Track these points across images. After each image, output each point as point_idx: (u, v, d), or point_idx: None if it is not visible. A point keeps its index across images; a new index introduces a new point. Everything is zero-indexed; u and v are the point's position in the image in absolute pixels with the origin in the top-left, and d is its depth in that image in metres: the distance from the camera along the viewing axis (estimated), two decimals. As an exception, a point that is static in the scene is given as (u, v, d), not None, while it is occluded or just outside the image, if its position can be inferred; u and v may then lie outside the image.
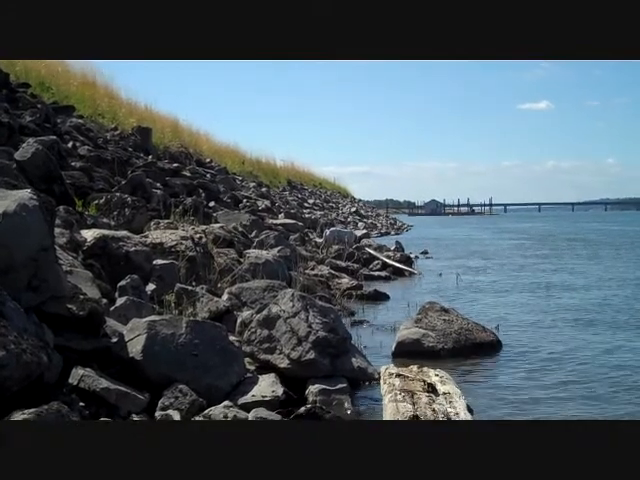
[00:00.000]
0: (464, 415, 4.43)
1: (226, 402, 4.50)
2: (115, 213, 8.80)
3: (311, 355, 5.41)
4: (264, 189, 26.77)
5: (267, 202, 20.82)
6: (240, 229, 11.64)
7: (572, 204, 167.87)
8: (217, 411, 4.30)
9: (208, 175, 18.68)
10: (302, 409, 4.59)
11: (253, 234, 11.97)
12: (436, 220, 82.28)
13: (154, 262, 6.80)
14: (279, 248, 10.48)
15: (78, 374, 4.03)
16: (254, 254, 9.14)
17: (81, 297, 4.48)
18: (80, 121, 14.26)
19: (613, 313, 10.26)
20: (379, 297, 11.71)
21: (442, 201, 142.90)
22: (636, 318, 9.78)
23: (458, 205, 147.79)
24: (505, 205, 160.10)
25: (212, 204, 13.96)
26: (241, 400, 4.72)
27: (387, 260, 16.47)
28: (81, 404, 3.84)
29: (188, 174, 16.09)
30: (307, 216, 24.87)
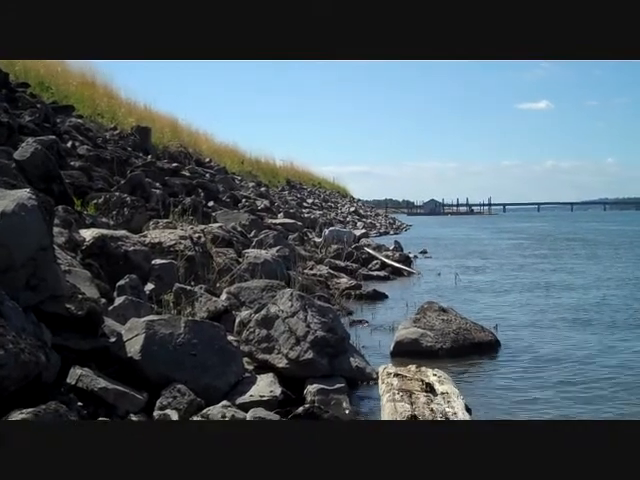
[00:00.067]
0: (462, 415, 4.43)
1: (224, 402, 4.49)
2: (114, 213, 8.81)
3: (309, 355, 5.41)
4: (263, 189, 26.77)
5: (266, 202, 20.81)
6: (239, 229, 11.64)
7: (571, 204, 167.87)
8: (215, 411, 4.30)
9: (207, 175, 18.67)
10: (300, 409, 4.59)
11: (252, 234, 11.97)
12: (435, 220, 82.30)
13: (153, 262, 6.80)
14: (278, 248, 10.48)
15: (76, 374, 4.03)
16: (253, 254, 9.14)
17: (79, 297, 4.47)
18: (79, 121, 14.26)
19: (612, 313, 10.26)
20: (378, 297, 11.71)
21: (441, 201, 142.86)
22: (635, 318, 9.78)
23: (457, 205, 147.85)
24: (504, 205, 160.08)
25: (211, 204, 13.97)
26: (239, 400, 4.72)
27: (386, 260, 16.47)
28: (79, 404, 3.84)
29: (187, 174, 16.09)
30: (306, 216, 24.86)
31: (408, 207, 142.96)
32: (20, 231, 4.03)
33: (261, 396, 4.80)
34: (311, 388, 5.21)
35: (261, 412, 4.39)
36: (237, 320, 6.18)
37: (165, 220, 9.28)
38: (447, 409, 4.48)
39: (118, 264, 6.28)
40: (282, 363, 5.44)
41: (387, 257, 16.88)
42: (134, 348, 4.58)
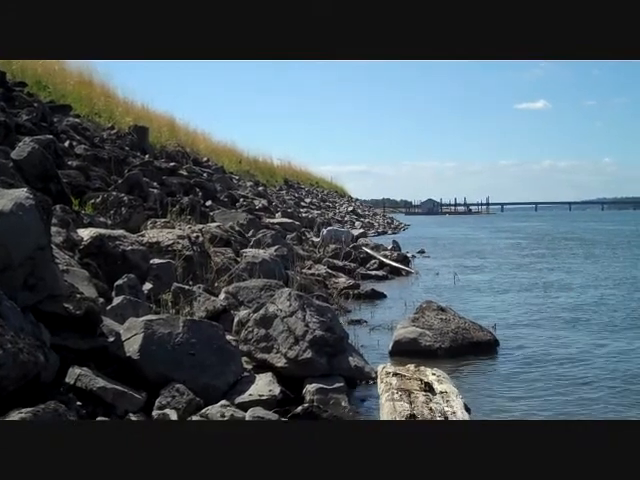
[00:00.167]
0: (461, 414, 4.43)
1: (223, 401, 4.50)
2: (112, 212, 8.80)
3: (308, 354, 5.41)
4: (261, 188, 26.76)
5: (264, 201, 20.80)
6: (237, 228, 11.64)
7: (569, 203, 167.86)
8: (214, 410, 4.30)
9: (205, 174, 18.65)
10: (299, 408, 4.59)
11: (250, 233, 11.97)
12: (433, 220, 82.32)
13: (151, 261, 6.80)
14: (276, 247, 10.47)
15: (75, 373, 4.02)
16: (251, 253, 9.14)
17: (78, 296, 4.47)
18: (77, 120, 14.24)
19: (610, 312, 10.27)
20: (376, 296, 11.72)
21: (439, 200, 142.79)
22: (633, 317, 9.80)
23: (455, 204, 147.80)
24: (502, 204, 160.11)
25: (209, 203, 13.95)
26: (238, 399, 4.72)
27: (384, 259, 16.47)
28: (78, 403, 3.84)
29: (185, 173, 16.07)
30: (304, 215, 24.87)
31: (406, 207, 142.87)
32: (18, 230, 4.03)
33: (260, 395, 4.80)
34: (310, 387, 5.21)
35: (260, 411, 4.39)
36: (236, 320, 6.18)
37: (163, 220, 9.28)
38: (446, 408, 4.48)
39: (116, 264, 6.28)
40: (281, 362, 5.44)
41: (385, 257, 16.88)
42: (133, 348, 4.58)
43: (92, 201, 8.73)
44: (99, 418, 3.83)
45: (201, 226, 9.86)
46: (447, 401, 4.63)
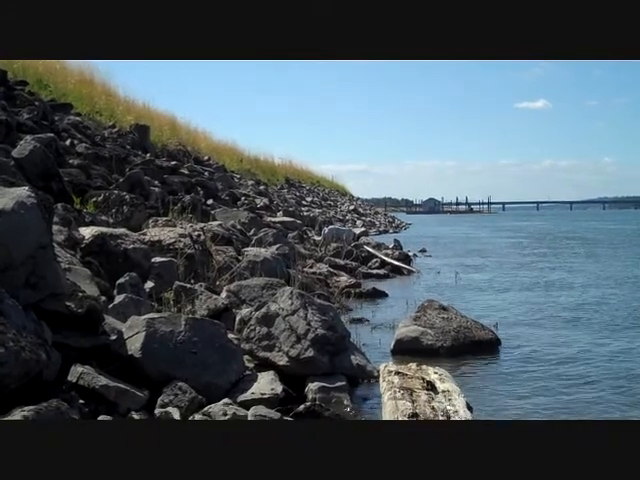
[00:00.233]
0: (463, 413, 4.43)
1: (225, 399, 4.50)
2: (113, 211, 8.81)
3: (310, 353, 5.42)
4: (262, 187, 26.76)
5: (265, 200, 20.81)
6: (238, 227, 11.64)
7: (570, 203, 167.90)
8: (216, 408, 4.30)
9: (206, 173, 18.67)
10: (301, 407, 4.60)
11: (251, 232, 11.97)
12: (434, 219, 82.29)
13: (152, 260, 6.80)
14: (277, 246, 10.48)
15: (77, 371, 4.03)
16: (252, 252, 9.14)
17: (80, 295, 4.48)
18: (78, 119, 14.26)
19: (611, 312, 10.27)
20: (378, 295, 11.72)
21: (440, 199, 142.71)
22: (634, 317, 9.79)
23: (456, 203, 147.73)
24: (503, 204, 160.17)
25: (210, 202, 13.96)
26: (240, 398, 4.73)
27: (386, 258, 16.47)
28: (80, 401, 3.84)
29: (186, 172, 16.08)
30: (305, 214, 24.89)
31: (407, 206, 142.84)
32: (19, 229, 4.03)
33: (262, 394, 4.81)
34: (312, 386, 5.22)
35: (262, 410, 4.39)
36: (237, 318, 6.19)
37: (164, 218, 9.29)
38: (448, 407, 4.49)
39: (118, 262, 6.29)
40: (283, 361, 5.45)
41: (387, 255, 16.88)
42: (135, 346, 4.58)
43: (93, 200, 8.74)
44: (101, 416, 3.83)
45: (202, 225, 9.87)
46: (449, 400, 4.63)
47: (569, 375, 6.49)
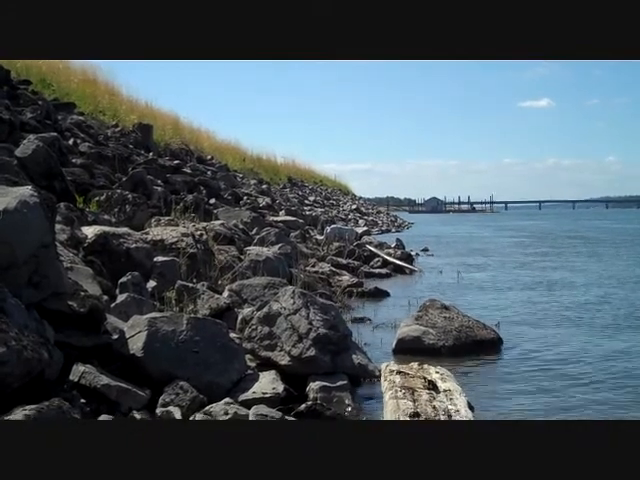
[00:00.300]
0: (465, 412, 4.44)
1: (227, 399, 4.51)
2: (116, 210, 8.82)
3: (312, 352, 5.42)
4: (265, 186, 26.78)
5: (268, 199, 20.82)
6: (241, 226, 11.65)
7: (573, 202, 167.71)
8: (218, 408, 4.31)
9: (209, 172, 18.69)
10: (303, 406, 4.60)
11: (254, 231, 11.98)
12: (437, 218, 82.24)
13: (155, 259, 6.81)
14: (280, 245, 10.48)
15: (79, 371, 4.04)
16: (255, 251, 9.15)
17: (82, 294, 4.49)
18: (81, 118, 14.29)
19: (614, 311, 10.25)
20: (380, 294, 11.72)
21: (443, 199, 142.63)
22: (636, 316, 9.77)
23: (459, 203, 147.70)
24: (506, 203, 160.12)
25: (213, 201, 13.97)
26: (242, 397, 4.74)
27: (388, 257, 16.47)
28: (82, 400, 3.85)
29: (189, 171, 16.10)
30: (308, 213, 24.89)
31: (410, 205, 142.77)
32: (22, 228, 4.04)
33: (264, 393, 4.81)
34: (313, 385, 5.22)
35: (263, 409, 4.40)
36: (239, 317, 6.20)
37: (167, 217, 9.30)
38: (450, 406, 4.49)
39: (120, 261, 6.30)
40: (284, 360, 5.45)
41: (389, 255, 16.88)
42: (136, 345, 4.59)
43: (96, 199, 8.75)
44: (103, 415, 3.84)
45: (205, 224, 9.87)
46: (451, 399, 4.64)
47: (571, 375, 6.48)
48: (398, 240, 20.45)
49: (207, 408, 4.32)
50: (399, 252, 17.60)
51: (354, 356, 5.70)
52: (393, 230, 41.84)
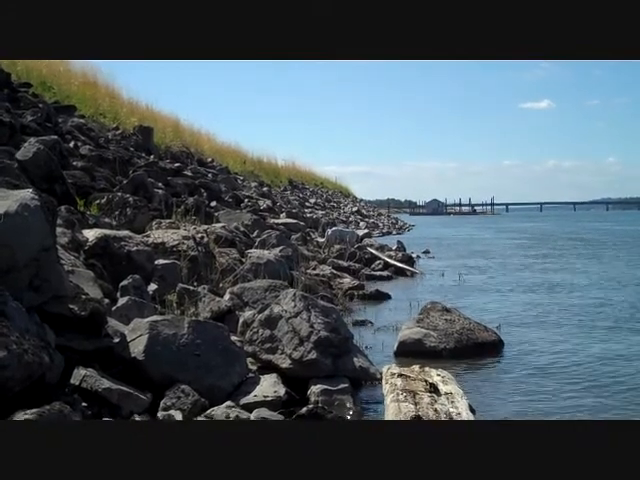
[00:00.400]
0: (466, 415, 4.43)
1: (228, 402, 4.50)
2: (117, 213, 8.82)
3: (313, 355, 5.41)
4: (265, 189, 26.78)
5: (268, 202, 20.83)
6: (242, 229, 11.64)
7: (574, 204, 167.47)
8: (219, 411, 4.31)
9: (210, 175, 18.69)
10: (304, 409, 4.59)
11: (255, 234, 11.98)
12: (438, 220, 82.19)
13: (156, 262, 6.80)
14: (281, 248, 10.48)
15: (80, 374, 4.03)
16: (256, 254, 9.14)
17: (83, 297, 4.48)
18: (81, 121, 14.27)
19: (615, 313, 10.24)
20: (381, 297, 11.71)
21: (443, 201, 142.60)
22: (637, 318, 9.76)
23: (460, 205, 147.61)
24: (507, 205, 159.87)
25: (214, 204, 13.97)
26: (243, 400, 4.72)
27: (389, 260, 16.46)
28: (83, 404, 3.84)
29: (190, 174, 16.10)
30: (309, 216, 24.88)
31: (410, 207, 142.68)
32: (23, 231, 4.03)
33: (265, 396, 4.80)
34: (315, 388, 5.21)
35: (265, 412, 4.39)
36: (240, 320, 6.18)
37: (168, 220, 9.29)
38: (451, 409, 4.48)
39: (121, 264, 6.29)
40: (286, 363, 5.44)
41: (390, 257, 16.87)
42: (138, 348, 4.58)
43: (97, 202, 8.74)
44: (104, 419, 3.83)
45: (206, 227, 9.87)
46: (452, 402, 4.63)
47: (573, 377, 6.47)
48: (399, 242, 20.46)
49: (208, 411, 4.32)
50: (400, 254, 17.60)
51: (355, 359, 5.69)
52: (394, 232, 41.84)
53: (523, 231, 44.29)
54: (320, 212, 31.49)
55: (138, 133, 17.08)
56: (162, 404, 4.31)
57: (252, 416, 4.34)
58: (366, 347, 7.13)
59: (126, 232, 7.03)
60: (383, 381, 5.30)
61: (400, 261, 16.61)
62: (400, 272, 15.83)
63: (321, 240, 17.54)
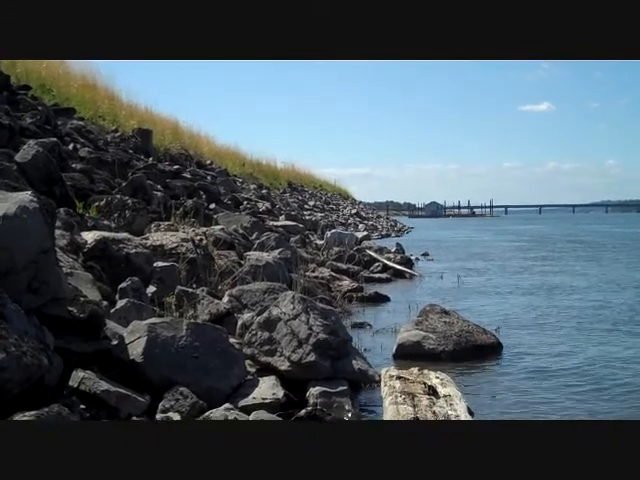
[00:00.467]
0: (465, 417, 4.43)
1: (227, 404, 4.49)
2: (116, 215, 8.80)
3: (312, 357, 5.40)
4: (264, 191, 26.78)
5: (267, 204, 20.80)
6: (241, 231, 11.64)
7: (573, 206, 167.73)
8: (218, 413, 4.30)
9: (208, 177, 18.69)
10: (303, 411, 4.58)
11: (254, 236, 11.97)
12: (437, 222, 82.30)
13: (154, 264, 6.80)
14: (280, 250, 10.47)
15: (78, 376, 4.02)
16: (255, 256, 9.13)
17: (81, 299, 4.47)
18: (81, 123, 14.26)
19: (614, 315, 10.25)
20: (380, 299, 11.71)
21: (442, 203, 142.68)
22: (636, 321, 9.77)
23: (459, 207, 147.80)
24: (506, 207, 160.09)
25: (213, 206, 13.96)
26: (242, 402, 4.72)
27: (388, 262, 16.47)
28: (82, 406, 3.83)
29: (188, 176, 16.09)
30: (308, 218, 24.89)
31: (409, 209, 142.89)
32: (22, 233, 4.03)
33: (263, 399, 4.80)
34: (313, 391, 5.20)
35: (263, 415, 4.38)
36: (239, 323, 6.17)
37: (167, 222, 9.28)
38: (449, 412, 4.47)
39: (120, 267, 6.28)
40: (284, 366, 5.43)
41: (389, 259, 16.88)
42: (136, 351, 4.58)
43: (96, 204, 8.73)
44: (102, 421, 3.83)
45: (205, 229, 9.85)
46: (451, 404, 4.62)
47: (571, 379, 6.47)
48: (398, 244, 20.47)
49: (207, 414, 4.31)
50: (399, 257, 17.59)
51: (354, 361, 5.68)
52: (393, 234, 41.90)
53: (522, 233, 44.32)
54: (319, 214, 31.52)
55: (137, 135, 17.07)
56: (160, 406, 4.30)
57: (250, 418, 4.33)
58: (365, 349, 7.13)
59: (125, 234, 7.02)
60: (382, 383, 5.30)
61: (399, 263, 16.61)
62: (399, 274, 15.85)
63: (320, 242, 17.55)
